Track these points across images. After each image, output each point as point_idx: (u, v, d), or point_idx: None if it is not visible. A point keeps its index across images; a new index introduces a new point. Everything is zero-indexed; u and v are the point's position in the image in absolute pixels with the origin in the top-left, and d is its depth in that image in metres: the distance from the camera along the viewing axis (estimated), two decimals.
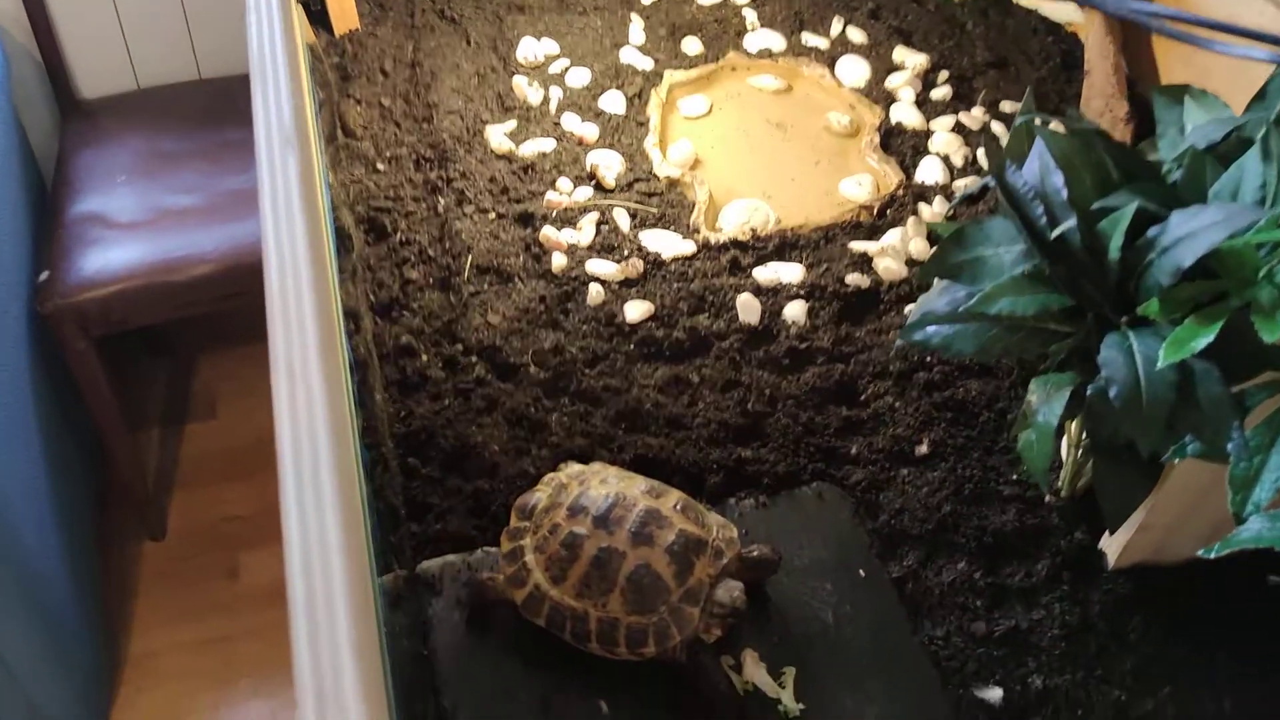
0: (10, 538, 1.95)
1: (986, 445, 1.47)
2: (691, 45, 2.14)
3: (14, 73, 2.57)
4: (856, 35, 2.17)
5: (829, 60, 2.12)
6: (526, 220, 1.78)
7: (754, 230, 1.77)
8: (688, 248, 1.74)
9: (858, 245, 1.75)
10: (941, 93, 2.06)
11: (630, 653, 1.18)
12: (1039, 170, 1.15)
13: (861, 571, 1.33)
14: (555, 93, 2.03)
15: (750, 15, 2.22)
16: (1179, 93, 1.26)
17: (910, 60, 2.11)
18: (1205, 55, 1.57)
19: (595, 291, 1.65)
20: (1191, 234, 1.03)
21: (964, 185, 1.87)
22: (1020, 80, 2.08)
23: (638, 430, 1.48)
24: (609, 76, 2.06)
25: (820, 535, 1.36)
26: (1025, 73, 2.09)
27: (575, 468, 1.34)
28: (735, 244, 1.75)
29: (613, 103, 2.01)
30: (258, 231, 0.94)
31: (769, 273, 1.70)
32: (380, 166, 1.87)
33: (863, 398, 1.53)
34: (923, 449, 1.46)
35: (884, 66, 2.11)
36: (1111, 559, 1.34)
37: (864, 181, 1.88)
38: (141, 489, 2.64)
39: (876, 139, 1.95)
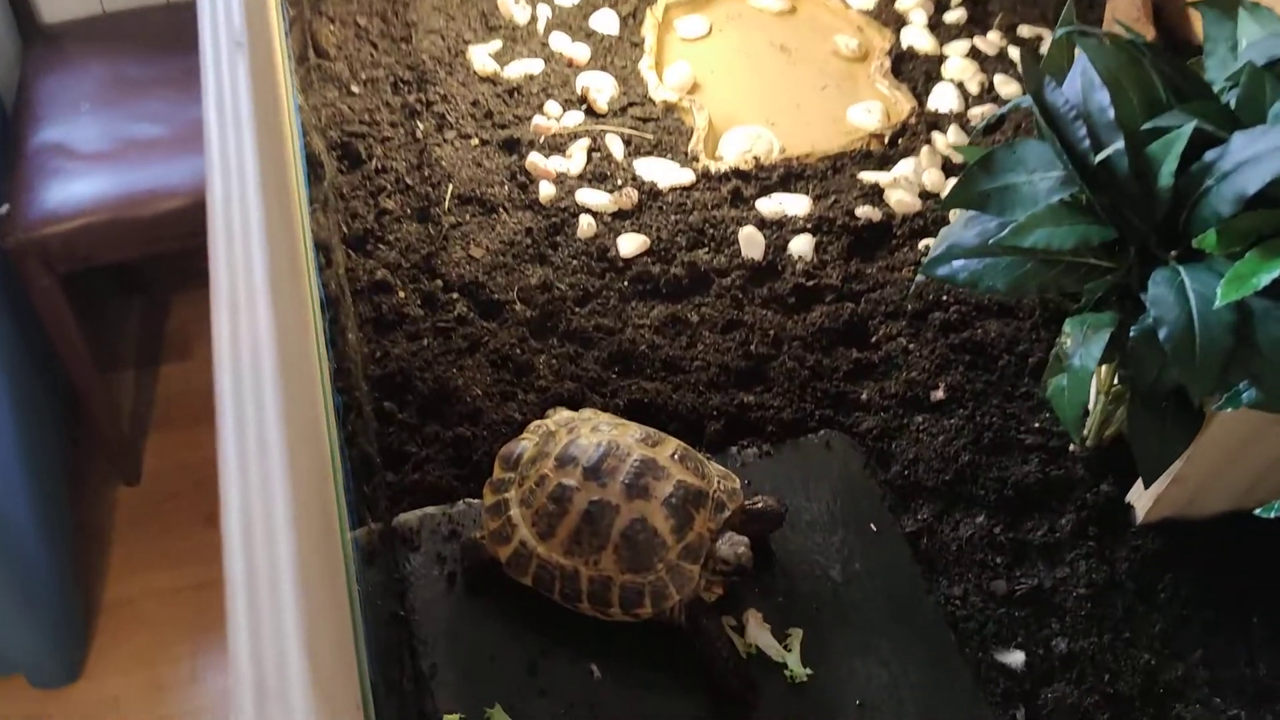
0: None
1: (1007, 390, 1.37)
2: None
3: None
4: None
5: None
6: (512, 147, 1.66)
7: (757, 159, 1.66)
8: (686, 177, 1.63)
9: (868, 176, 1.64)
10: (956, 15, 1.93)
11: (624, 614, 1.09)
12: (1081, 87, 1.04)
13: (873, 526, 1.24)
14: (543, 11, 1.90)
15: None
16: (1231, 6, 1.15)
17: None
18: None
19: (586, 223, 1.54)
20: (1256, 157, 0.92)
21: (981, 114, 1.76)
22: (1039, 3, 1.95)
23: (632, 374, 1.37)
24: None
25: (828, 487, 1.27)
26: None
27: (564, 414, 1.24)
28: (737, 173, 1.63)
29: (605, 22, 1.88)
30: None
31: (773, 204, 1.59)
32: (355, 89, 1.74)
33: (874, 339, 1.43)
34: (938, 394, 1.36)
35: None
36: (1140, 513, 1.25)
37: (874, 109, 1.77)
38: (114, 432, 2.55)
39: (887, 64, 1.83)
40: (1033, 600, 1.19)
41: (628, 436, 1.14)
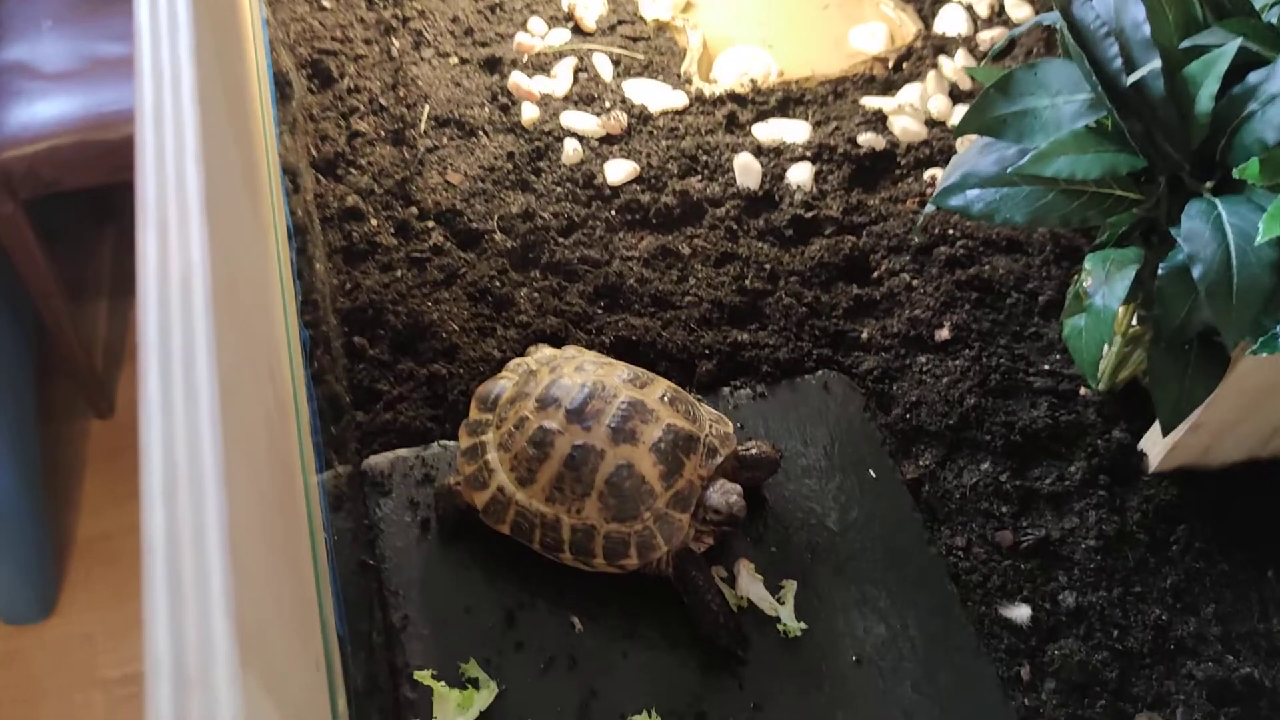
0: None
1: (1015, 330, 1.30)
2: None
3: None
4: None
5: None
6: (493, 66, 1.56)
7: (754, 82, 1.56)
8: (678, 100, 1.53)
9: (871, 102, 1.55)
10: None
11: (609, 564, 1.02)
12: (1114, 3, 0.95)
13: (872, 472, 1.17)
14: None
15: None
16: None
17: None
18: None
19: (572, 148, 1.45)
20: None
21: (991, 38, 1.66)
22: None
23: (619, 309, 1.29)
24: None
25: (826, 431, 1.20)
26: None
27: (546, 352, 1.16)
28: (732, 97, 1.54)
29: None
30: None
31: (771, 131, 1.49)
32: (326, 3, 1.63)
33: (876, 275, 1.35)
34: (943, 334, 1.29)
35: None
36: (1153, 461, 1.19)
37: (877, 31, 1.67)
38: (84, 363, 2.47)
39: None
40: (1039, 552, 1.13)
41: (614, 376, 1.06)
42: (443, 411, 1.19)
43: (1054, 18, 1.00)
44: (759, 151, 1.47)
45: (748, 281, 1.32)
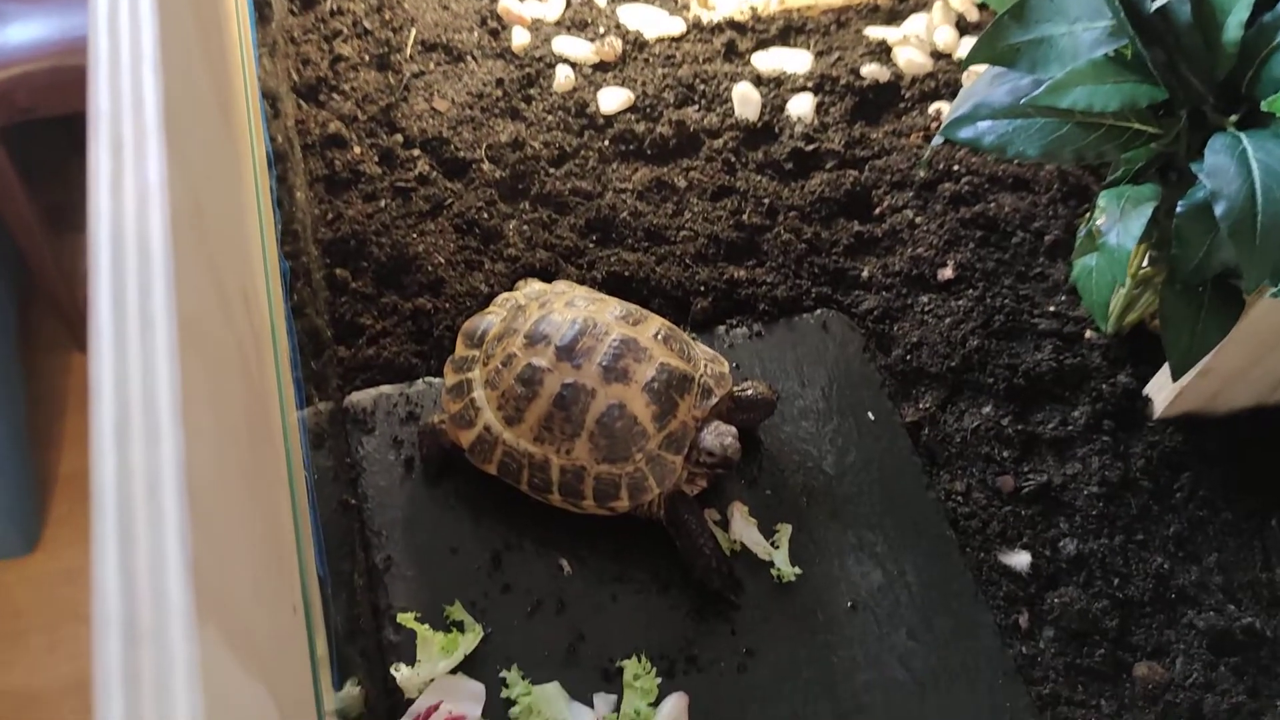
0: None
1: (1020, 270, 1.26)
2: None
3: None
4: None
5: None
6: None
7: (754, 9, 1.50)
8: (675, 26, 1.47)
9: (875, 32, 1.49)
10: None
11: (599, 506, 0.99)
12: None
13: (870, 415, 1.14)
14: None
15: None
16: None
17: None
18: None
19: (564, 75, 1.39)
20: None
21: None
22: None
23: (611, 243, 1.25)
24: None
25: (824, 371, 1.16)
26: None
27: (535, 286, 1.12)
28: (731, 24, 1.48)
29: None
30: None
31: (771, 60, 1.44)
32: None
33: (878, 211, 1.30)
34: (946, 273, 1.25)
35: None
36: (1159, 407, 1.15)
37: None
38: (66, 296, 2.42)
39: None
40: (1040, 498, 1.10)
41: (606, 313, 1.02)
42: (427, 347, 1.15)
43: None
44: (758, 81, 1.41)
45: (745, 216, 1.27)
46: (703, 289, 1.20)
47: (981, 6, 1.51)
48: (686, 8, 1.50)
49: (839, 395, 1.15)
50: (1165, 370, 1.13)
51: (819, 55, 1.45)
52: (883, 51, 1.47)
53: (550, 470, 0.98)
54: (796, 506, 1.07)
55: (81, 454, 2.60)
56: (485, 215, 1.25)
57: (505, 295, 1.11)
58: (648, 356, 0.99)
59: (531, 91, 1.39)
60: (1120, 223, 0.92)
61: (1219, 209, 0.81)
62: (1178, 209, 0.88)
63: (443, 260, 1.20)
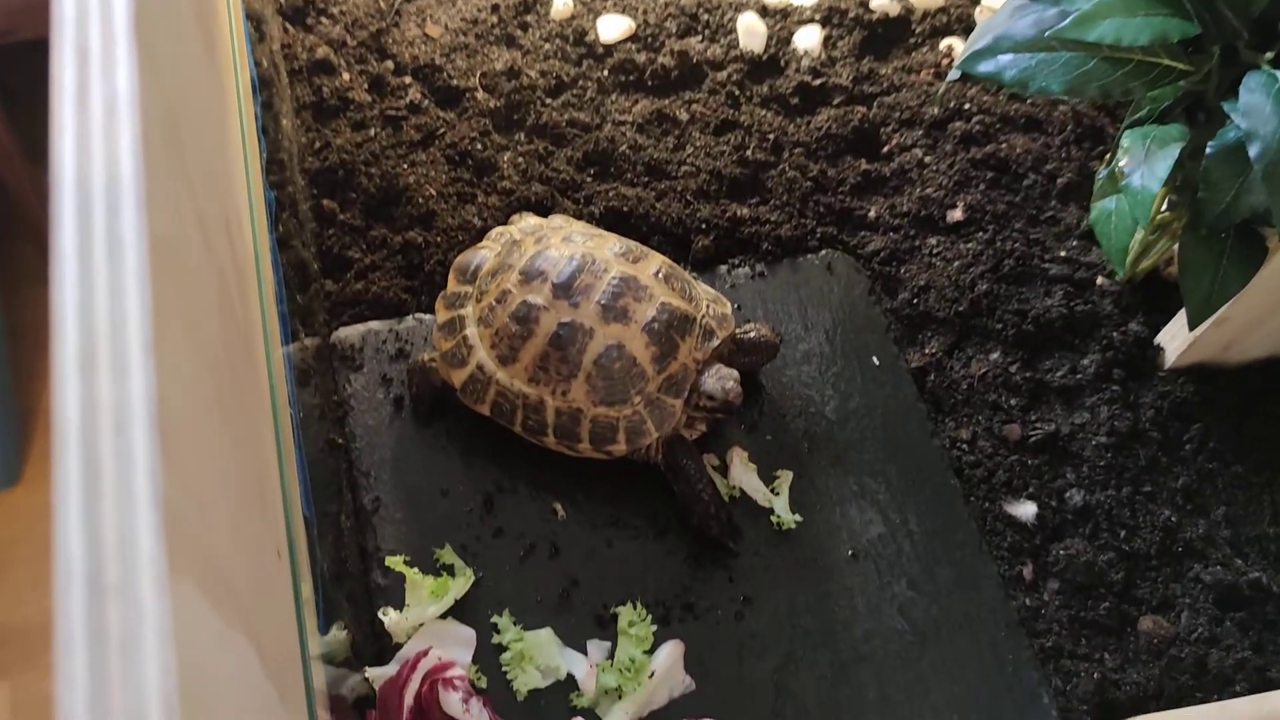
0: None
1: (1031, 213, 1.22)
2: None
3: None
4: None
5: None
6: None
7: None
8: None
9: None
10: None
11: (595, 450, 0.96)
12: None
13: (875, 359, 1.11)
14: None
15: None
16: None
17: None
18: None
19: (562, 2, 1.34)
20: None
21: None
22: None
23: (610, 177, 1.20)
24: None
25: (828, 314, 1.13)
26: None
27: (531, 221, 1.08)
28: None
29: None
30: None
31: None
32: None
33: (886, 149, 1.26)
34: (956, 214, 1.21)
35: None
36: (1171, 356, 1.12)
37: None
38: (46, 226, 2.37)
39: None
40: (1048, 447, 1.07)
41: (605, 249, 0.98)
42: (418, 282, 1.11)
43: None
44: (764, 12, 1.36)
45: (749, 152, 1.23)
46: (704, 227, 1.16)
47: None
48: None
49: (843, 339, 1.11)
50: (1178, 319, 1.10)
51: None
52: None
53: (545, 412, 0.95)
54: (797, 452, 1.04)
55: None
56: (479, 146, 1.20)
57: (499, 229, 1.06)
58: (648, 295, 0.95)
59: (528, 18, 1.33)
60: (1145, 164, 0.88)
61: (1253, 150, 0.77)
62: (1207, 150, 0.85)
63: (434, 192, 1.16)
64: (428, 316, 1.08)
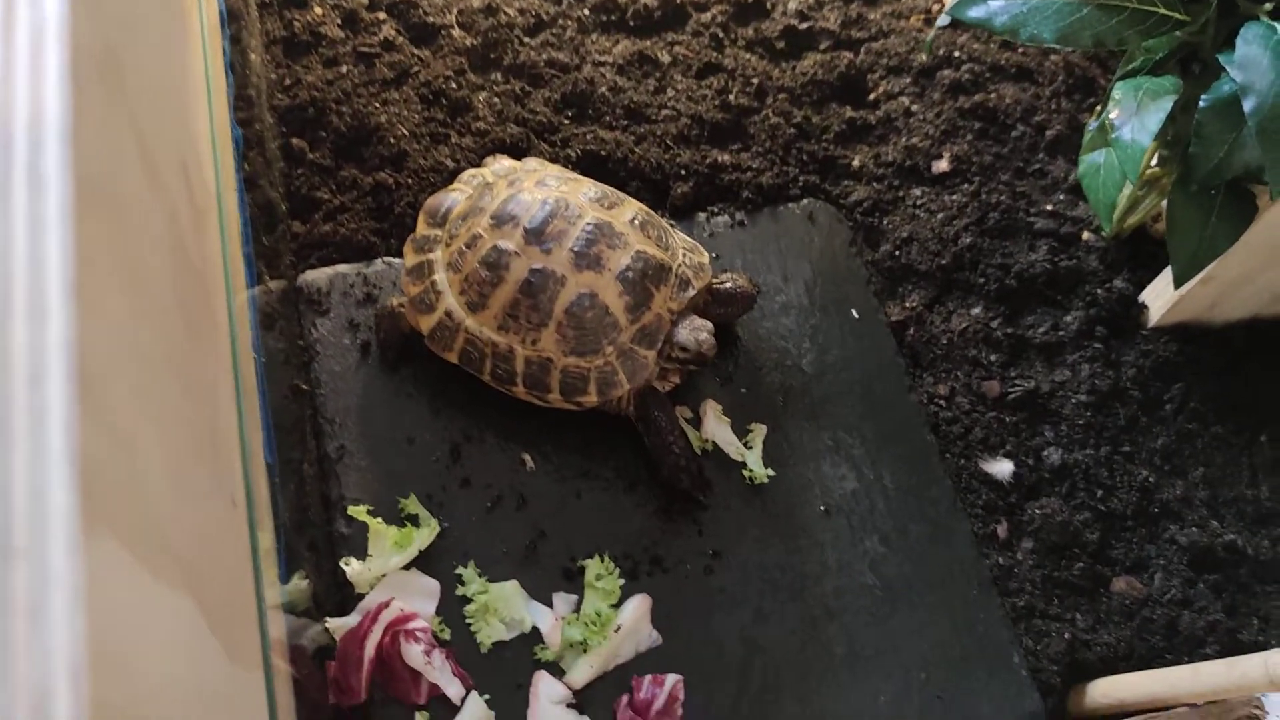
0: None
1: (1018, 166, 1.19)
2: None
3: None
4: None
5: None
6: None
7: None
8: None
9: None
10: None
11: (565, 401, 0.94)
12: None
13: (854, 312, 1.09)
14: None
15: None
16: None
17: None
18: None
19: None
20: None
21: None
22: None
23: (588, 119, 1.17)
24: None
25: (808, 265, 1.10)
26: None
27: (505, 163, 1.05)
28: None
29: None
30: None
31: None
32: None
33: (873, 97, 1.23)
34: (942, 165, 1.18)
35: None
36: (1155, 315, 1.10)
37: None
38: None
39: None
40: (1027, 405, 1.06)
41: (580, 194, 0.95)
42: (388, 225, 1.08)
43: None
44: None
45: (732, 96, 1.19)
46: (684, 173, 1.13)
47: None
48: None
49: (822, 291, 1.09)
50: (1164, 277, 1.08)
51: None
52: None
53: (515, 361, 0.93)
54: (772, 406, 1.02)
55: None
56: (453, 85, 1.17)
57: (472, 171, 1.03)
58: (623, 243, 0.93)
59: None
60: (1136, 116, 0.86)
61: (1248, 104, 0.75)
62: (1200, 103, 0.82)
63: (406, 132, 1.12)
64: (397, 260, 1.05)
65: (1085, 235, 1.15)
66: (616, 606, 0.90)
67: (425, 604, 0.88)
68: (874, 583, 0.95)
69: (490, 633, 0.88)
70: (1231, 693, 0.80)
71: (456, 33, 1.21)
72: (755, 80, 1.21)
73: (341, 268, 1.04)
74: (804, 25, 1.26)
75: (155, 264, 0.58)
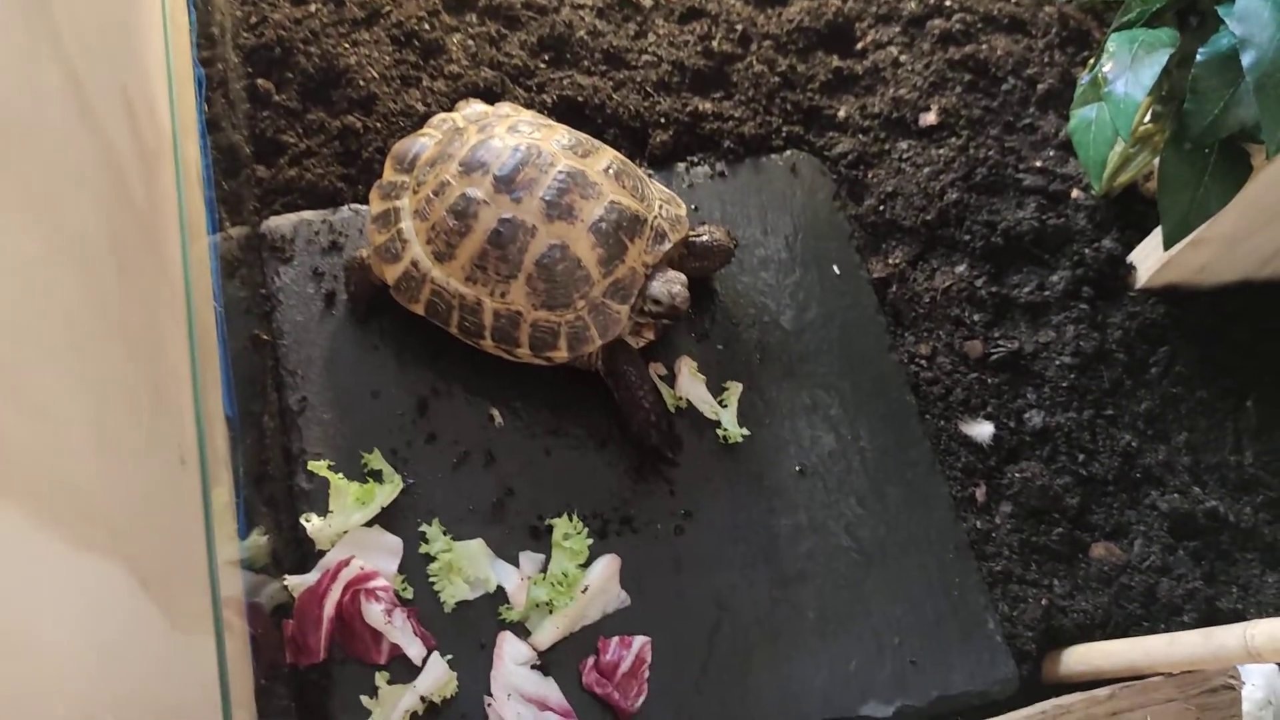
0: None
1: (1009, 120, 1.16)
2: None
3: None
4: None
5: None
6: None
7: None
8: None
9: None
10: None
11: (535, 355, 0.91)
12: None
13: (836, 268, 1.06)
14: None
15: None
16: None
17: None
18: None
19: None
20: None
21: None
22: None
23: (565, 64, 1.13)
24: None
25: (789, 219, 1.07)
26: None
27: (477, 108, 1.01)
28: None
29: None
30: None
31: None
32: None
33: (860, 46, 1.19)
34: (929, 118, 1.14)
35: None
36: (1142, 276, 1.08)
37: None
38: None
39: None
40: (1010, 366, 1.03)
41: (553, 142, 0.92)
42: (355, 170, 1.04)
43: None
44: None
45: (715, 43, 1.15)
46: (663, 121, 1.10)
47: None
48: None
49: (803, 245, 1.06)
50: (1153, 237, 1.05)
51: None
52: None
53: (483, 314, 0.90)
54: (749, 364, 1.00)
55: None
56: (426, 26, 1.12)
57: (443, 116, 0.99)
58: (596, 193, 0.89)
59: None
60: (1130, 70, 0.82)
61: (1246, 59, 0.72)
62: (1197, 57, 0.79)
63: (376, 74, 1.08)
64: (364, 207, 1.01)
65: (1074, 193, 1.12)
66: (584, 566, 0.88)
67: (387, 562, 0.86)
68: (849, 545, 0.93)
69: (454, 592, 0.86)
70: (1209, 663, 0.78)
71: None
72: (739, 26, 1.17)
73: (307, 214, 1.01)
74: None
75: (81, 208, 0.54)
